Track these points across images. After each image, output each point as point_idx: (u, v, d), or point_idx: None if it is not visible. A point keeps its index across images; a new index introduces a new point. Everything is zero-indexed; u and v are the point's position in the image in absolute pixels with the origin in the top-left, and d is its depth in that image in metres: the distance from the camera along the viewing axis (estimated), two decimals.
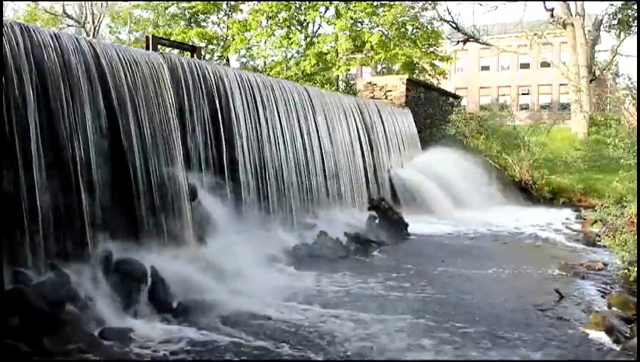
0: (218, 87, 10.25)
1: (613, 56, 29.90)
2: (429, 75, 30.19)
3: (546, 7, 28.30)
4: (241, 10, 33.62)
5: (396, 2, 27.39)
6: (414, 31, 29.12)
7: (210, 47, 33.13)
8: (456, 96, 25.74)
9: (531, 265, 9.74)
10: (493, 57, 41.54)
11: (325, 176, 13.39)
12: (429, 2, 28.62)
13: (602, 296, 7.79)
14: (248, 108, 10.96)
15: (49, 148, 6.67)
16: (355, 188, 14.82)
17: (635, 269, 7.56)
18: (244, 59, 34.68)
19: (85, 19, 35.85)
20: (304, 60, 28.27)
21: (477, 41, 30.56)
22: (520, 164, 20.26)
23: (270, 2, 28.45)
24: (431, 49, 29.75)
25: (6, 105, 6.17)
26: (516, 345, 5.84)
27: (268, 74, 26.05)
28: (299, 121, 12.72)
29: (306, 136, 12.84)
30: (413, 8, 28.14)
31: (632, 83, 13.03)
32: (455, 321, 6.55)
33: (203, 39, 31.63)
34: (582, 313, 6.94)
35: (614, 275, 8.83)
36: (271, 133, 11.51)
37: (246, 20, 30.44)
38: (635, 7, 24.02)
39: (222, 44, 32.93)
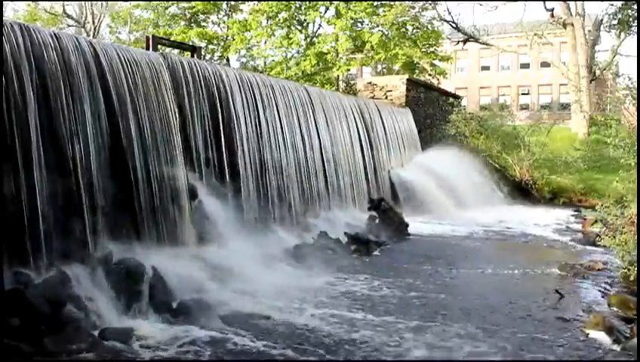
0: (218, 87, 10.24)
1: (613, 56, 29.92)
2: (429, 75, 30.19)
3: (546, 7, 28.35)
4: (241, 10, 33.65)
5: (396, 2, 27.39)
6: (414, 31, 29.12)
7: (211, 47, 33.15)
8: (456, 96, 25.74)
9: (531, 265, 9.74)
10: (493, 57, 41.57)
11: (325, 176, 13.39)
12: (429, 2, 28.63)
13: (602, 296, 7.79)
14: (248, 108, 10.96)
15: (49, 148, 6.67)
16: (355, 188, 14.81)
17: (635, 269, 7.55)
18: (244, 59, 34.71)
19: (85, 19, 35.86)
20: (304, 60, 28.27)
21: (477, 41, 30.58)
22: (520, 164, 20.26)
23: (270, 2, 28.44)
24: (431, 49, 29.75)
25: (6, 105, 6.17)
26: (516, 345, 5.84)
27: (268, 74, 26.05)
28: (299, 121, 12.72)
29: (306, 136, 12.83)
30: (413, 8, 28.15)
31: (632, 83, 13.02)
32: (453, 321, 6.55)
33: (203, 39, 31.64)
34: (582, 313, 6.93)
35: (614, 275, 8.82)
36: (271, 133, 11.51)
37: (246, 20, 30.44)
38: (635, 7, 24.02)
39: (222, 44, 32.94)
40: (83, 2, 35.94)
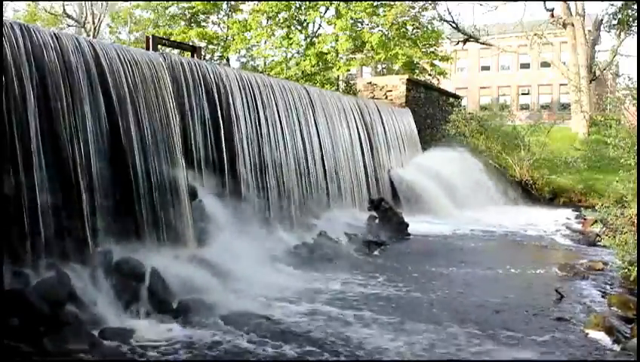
0: (218, 87, 10.24)
1: (613, 56, 29.93)
2: (429, 75, 30.18)
3: (546, 7, 28.35)
4: (241, 10, 33.64)
5: (396, 2, 27.39)
6: (414, 31, 29.11)
7: (211, 47, 33.13)
8: (456, 96, 25.75)
9: (531, 265, 9.74)
10: (493, 57, 41.58)
11: (325, 176, 13.39)
12: (429, 2, 28.63)
13: (602, 296, 7.79)
14: (248, 108, 10.95)
15: (49, 148, 6.67)
16: (355, 188, 14.81)
17: (635, 269, 7.55)
18: (244, 59, 34.71)
19: (85, 19, 35.88)
20: (304, 60, 28.27)
21: (477, 41, 30.57)
22: (520, 164, 20.25)
23: (270, 2, 28.44)
24: (431, 49, 29.74)
25: (6, 105, 6.18)
26: (516, 346, 5.84)
27: (268, 74, 26.04)
28: (299, 121, 12.72)
29: (306, 136, 12.83)
30: (413, 8, 28.13)
31: (632, 83, 13.00)
32: (454, 322, 6.54)
33: (203, 39, 31.63)
34: (582, 313, 6.94)
35: (614, 275, 8.82)
36: (271, 133, 11.51)
37: (246, 20, 30.44)
38: (635, 7, 24.02)
39: (222, 44, 32.93)
40: (83, 2, 35.97)
